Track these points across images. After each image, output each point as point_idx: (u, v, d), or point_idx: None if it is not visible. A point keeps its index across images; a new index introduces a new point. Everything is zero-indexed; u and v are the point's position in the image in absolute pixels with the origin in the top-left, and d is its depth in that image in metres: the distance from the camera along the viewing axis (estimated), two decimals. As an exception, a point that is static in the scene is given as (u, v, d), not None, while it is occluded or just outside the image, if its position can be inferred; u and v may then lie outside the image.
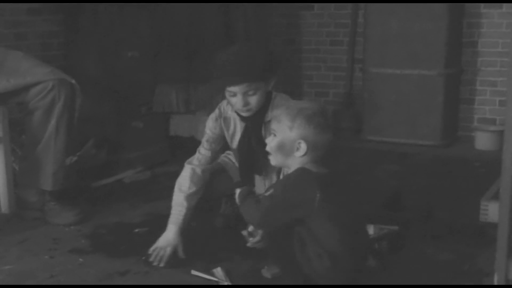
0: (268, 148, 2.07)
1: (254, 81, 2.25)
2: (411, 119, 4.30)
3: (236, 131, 2.44)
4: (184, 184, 2.40)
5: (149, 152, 3.71)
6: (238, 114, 2.37)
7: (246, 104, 2.27)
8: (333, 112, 4.74)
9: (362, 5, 4.53)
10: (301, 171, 2.02)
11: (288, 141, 2.02)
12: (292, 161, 2.05)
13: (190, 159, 2.47)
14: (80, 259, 2.40)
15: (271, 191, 2.03)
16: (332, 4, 4.80)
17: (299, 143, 2.01)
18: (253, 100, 2.28)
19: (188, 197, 2.39)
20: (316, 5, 4.86)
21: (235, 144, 2.45)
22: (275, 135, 2.05)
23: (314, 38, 4.93)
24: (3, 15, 3.37)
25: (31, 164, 2.77)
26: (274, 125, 2.05)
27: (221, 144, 2.50)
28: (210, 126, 2.47)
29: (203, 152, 2.47)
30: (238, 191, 2.15)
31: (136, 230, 2.69)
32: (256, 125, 2.36)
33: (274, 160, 2.08)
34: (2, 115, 2.81)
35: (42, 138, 2.72)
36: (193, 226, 2.53)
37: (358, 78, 4.73)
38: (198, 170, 2.43)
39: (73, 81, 2.72)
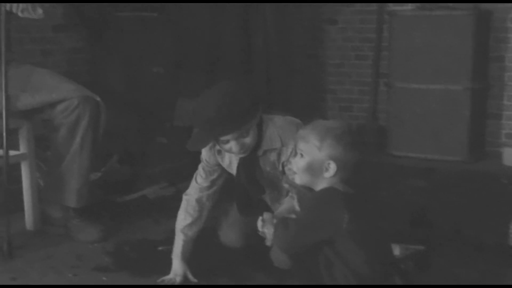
0: (295, 169, 2.03)
1: (246, 124, 2.15)
2: (437, 134, 4.25)
3: (232, 161, 2.33)
4: (179, 216, 2.37)
5: (173, 167, 3.70)
6: None
7: (242, 147, 2.17)
8: (357, 127, 4.70)
9: (387, 19, 4.50)
10: (329, 191, 1.98)
11: (317, 161, 1.97)
12: (320, 181, 2.01)
13: (188, 189, 2.41)
14: (104, 278, 2.39)
15: (298, 213, 2.00)
16: (357, 18, 4.78)
17: (329, 163, 1.96)
18: (248, 140, 2.17)
19: (184, 229, 2.35)
20: (340, 19, 4.84)
21: (234, 173, 2.36)
22: (302, 155, 2.01)
23: (338, 53, 4.90)
24: (30, 32, 3.41)
25: (55, 181, 2.78)
26: (301, 146, 2.01)
27: (219, 172, 2.39)
28: (205, 155, 2.37)
29: (199, 181, 2.40)
30: (264, 216, 2.13)
31: (160, 248, 2.68)
32: (252, 158, 2.27)
33: (300, 180, 2.04)
34: (27, 132, 2.82)
35: (66, 155, 2.73)
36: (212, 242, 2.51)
37: (383, 93, 4.69)
38: (192, 200, 2.37)
39: (98, 99, 2.73)
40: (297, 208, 2.08)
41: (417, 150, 4.31)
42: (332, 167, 1.95)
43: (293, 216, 2.05)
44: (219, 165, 2.38)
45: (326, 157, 1.94)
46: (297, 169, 2.01)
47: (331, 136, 1.94)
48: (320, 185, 2.01)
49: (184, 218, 2.36)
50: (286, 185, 2.11)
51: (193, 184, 2.41)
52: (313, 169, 1.97)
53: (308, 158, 1.98)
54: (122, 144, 3.53)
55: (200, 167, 2.41)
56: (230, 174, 2.39)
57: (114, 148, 3.46)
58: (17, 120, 2.73)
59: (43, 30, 3.48)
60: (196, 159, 3.69)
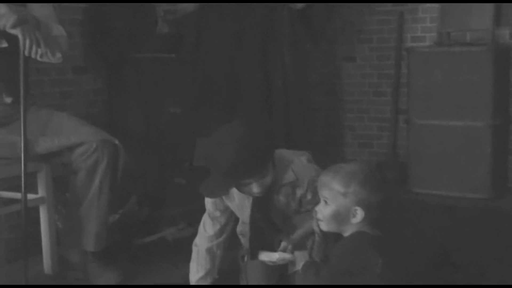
0: (320, 216, 1.98)
1: (267, 164, 2.13)
2: (459, 171, 4.19)
3: (244, 204, 2.29)
4: (191, 269, 2.35)
5: (192, 208, 3.66)
6: None
7: (263, 187, 2.14)
8: (377, 164, 4.66)
9: (405, 55, 4.49)
10: (359, 237, 1.93)
11: (343, 208, 1.93)
12: (348, 227, 1.96)
13: (196, 239, 2.36)
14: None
15: (329, 259, 1.96)
16: (375, 55, 4.77)
17: (355, 209, 1.93)
18: (268, 179, 2.15)
19: (199, 281, 2.33)
20: (358, 56, 4.83)
21: (246, 217, 2.31)
22: (326, 202, 1.97)
23: (356, 89, 4.89)
24: (49, 75, 3.43)
25: (73, 224, 2.76)
26: (325, 193, 1.97)
27: (227, 217, 2.34)
28: (210, 202, 2.32)
29: (208, 229, 2.35)
30: (282, 246, 2.08)
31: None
32: (267, 195, 2.22)
33: (327, 227, 1.99)
34: (46, 175, 2.82)
35: (85, 199, 2.72)
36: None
37: (402, 129, 4.65)
38: (202, 251, 2.34)
39: (117, 142, 2.73)
40: (317, 229, 2.03)
41: (439, 187, 4.25)
42: (360, 213, 1.91)
43: (313, 238, 2.02)
44: (227, 209, 2.33)
45: (352, 203, 1.91)
46: (323, 216, 1.97)
47: (355, 182, 1.91)
48: (348, 231, 1.97)
49: (196, 271, 2.33)
50: (316, 229, 2.06)
51: (201, 232, 2.36)
52: (340, 216, 1.93)
53: (333, 206, 1.94)
54: (140, 186, 3.51)
55: (206, 215, 2.36)
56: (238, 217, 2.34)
57: (132, 190, 3.45)
58: (36, 164, 2.74)
59: (63, 72, 3.51)
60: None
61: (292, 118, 3.70)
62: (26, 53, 2.42)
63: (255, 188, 2.13)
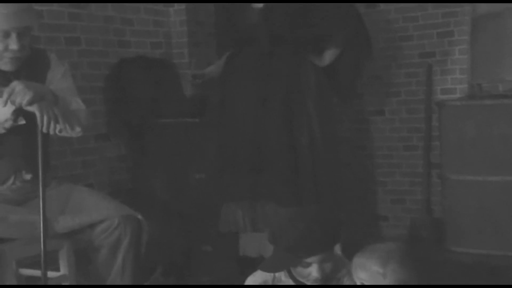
0: None
1: (332, 246, 2.11)
2: (499, 228, 3.99)
3: None
4: None
5: (219, 277, 3.54)
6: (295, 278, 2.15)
7: (323, 273, 2.08)
8: (411, 221, 4.50)
9: (435, 108, 4.36)
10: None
11: None
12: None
13: None
14: None
15: None
16: (404, 108, 4.65)
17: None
18: (329, 267, 2.10)
19: None
20: (386, 109, 4.72)
21: None
22: (363, 284, 1.88)
23: (386, 143, 4.76)
24: (71, 144, 3.37)
25: (97, 303, 2.65)
26: (361, 275, 1.88)
27: None
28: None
29: None
30: None
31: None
32: None
33: None
34: (67, 252, 2.71)
35: (108, 276, 2.61)
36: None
37: (436, 184, 4.49)
38: None
39: (139, 216, 2.63)
40: None
41: (478, 245, 4.05)
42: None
43: None
44: None
45: (391, 283, 1.85)
46: None
47: (393, 261, 1.86)
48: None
49: None
50: None
51: None
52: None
53: (371, 287, 1.86)
54: (165, 255, 3.40)
55: None
56: None
57: (157, 260, 3.33)
58: (57, 242, 2.63)
59: (84, 141, 3.44)
60: (240, 266, 3.54)
61: (320, 176, 3.56)
62: (44, 130, 2.35)
63: (315, 272, 2.07)
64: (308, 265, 2.07)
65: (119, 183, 3.62)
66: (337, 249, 3.48)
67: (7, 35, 2.36)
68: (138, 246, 2.63)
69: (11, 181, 2.54)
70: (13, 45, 2.38)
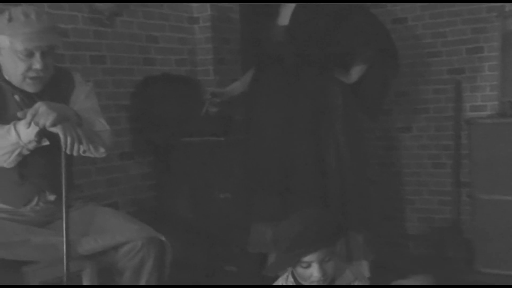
0: None
1: (330, 245, 2.11)
2: (530, 250, 3.89)
3: None
4: None
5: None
6: None
7: (324, 274, 2.09)
8: (439, 240, 4.40)
9: (465, 126, 4.27)
10: None
11: None
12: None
13: None
14: None
15: None
16: (432, 125, 4.57)
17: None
18: (330, 267, 2.11)
19: None
20: (415, 126, 4.64)
21: None
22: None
23: (414, 161, 4.67)
24: (96, 163, 3.34)
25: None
26: None
27: None
28: None
29: None
30: None
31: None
32: None
33: None
34: (90, 274, 2.67)
35: (132, 299, 2.57)
36: None
37: (465, 203, 4.39)
38: None
39: (163, 238, 2.58)
40: None
41: (508, 267, 3.94)
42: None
43: None
44: None
45: None
46: None
47: None
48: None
49: None
50: None
51: None
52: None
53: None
54: (189, 275, 3.35)
55: None
56: None
57: (181, 280, 3.28)
58: (79, 263, 2.59)
59: (109, 159, 3.41)
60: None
61: (347, 194, 3.50)
62: (68, 151, 2.32)
63: (316, 272, 2.07)
64: (308, 265, 2.08)
65: (143, 201, 3.59)
66: (365, 269, 3.41)
67: (30, 54, 2.35)
68: (161, 268, 2.59)
69: (34, 202, 2.52)
70: (37, 64, 2.36)
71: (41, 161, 2.46)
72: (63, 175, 2.37)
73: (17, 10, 2.36)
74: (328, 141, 3.42)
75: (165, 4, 3.81)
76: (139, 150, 3.60)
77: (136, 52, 3.62)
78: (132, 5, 3.56)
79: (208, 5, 3.98)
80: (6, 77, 2.43)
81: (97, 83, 3.38)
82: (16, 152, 2.35)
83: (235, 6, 4.16)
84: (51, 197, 2.54)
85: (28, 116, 2.26)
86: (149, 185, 3.65)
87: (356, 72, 3.38)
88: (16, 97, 2.43)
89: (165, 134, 3.51)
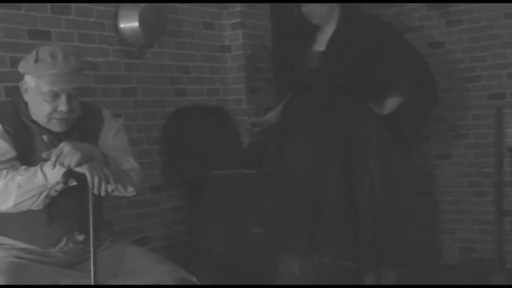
0: None
1: None
2: None
3: None
4: None
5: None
6: None
7: None
8: (482, 271, 4.25)
9: (507, 153, 4.12)
10: None
11: None
12: None
13: None
14: None
15: None
16: (472, 152, 4.44)
17: None
18: None
19: None
20: (454, 153, 4.51)
21: None
22: None
23: (453, 189, 4.53)
24: (126, 197, 3.25)
25: None
26: None
27: None
28: None
29: None
30: None
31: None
32: None
33: None
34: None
35: None
36: None
37: (508, 232, 4.23)
38: None
39: (194, 279, 2.50)
40: None
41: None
42: None
43: None
44: None
45: None
46: None
47: None
48: None
49: None
50: None
51: None
52: None
53: None
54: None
55: None
56: None
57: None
58: (109, 304, 2.54)
59: (140, 193, 3.33)
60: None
61: (380, 228, 3.38)
62: (95, 191, 2.27)
63: None
64: None
65: (174, 235, 3.53)
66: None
67: (56, 96, 2.31)
68: (191, 310, 2.51)
69: (63, 242, 2.47)
70: (62, 106, 2.32)
71: (69, 201, 2.41)
72: (91, 216, 2.32)
73: (45, 50, 2.33)
74: (360, 173, 3.31)
75: (196, 34, 3.77)
76: (170, 183, 3.54)
77: (167, 83, 3.58)
78: (164, 36, 3.51)
79: (240, 33, 3.93)
80: (33, 117, 2.39)
81: (128, 116, 3.34)
82: (44, 194, 2.30)
83: (268, 33, 4.10)
84: (80, 237, 2.49)
85: (53, 157, 2.21)
86: (180, 219, 3.58)
87: (391, 104, 3.28)
88: (44, 137, 2.39)
89: (197, 166, 3.45)
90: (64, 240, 2.47)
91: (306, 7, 3.22)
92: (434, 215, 4.59)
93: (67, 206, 2.42)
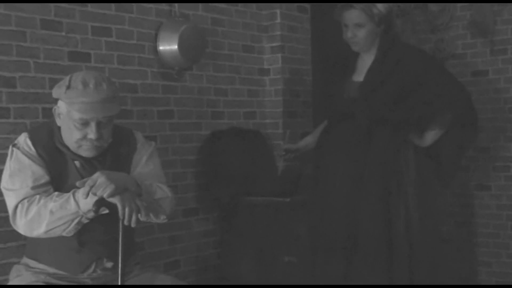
0: None
1: None
2: None
3: None
4: None
5: None
6: None
7: None
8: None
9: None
10: None
11: None
12: None
13: None
14: None
15: None
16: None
17: None
18: None
19: None
20: (493, 185, 4.40)
21: None
22: None
23: (492, 221, 4.42)
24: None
25: None
26: None
27: None
28: None
29: None
30: None
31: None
32: None
33: None
34: None
35: None
36: None
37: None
38: None
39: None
40: None
41: None
42: None
43: None
44: None
45: None
46: None
47: None
48: None
49: None
50: None
51: None
52: None
53: None
54: None
55: None
56: None
57: None
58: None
59: (173, 216, 3.33)
60: None
61: (416, 259, 3.30)
62: (125, 222, 2.26)
63: None
64: None
65: (206, 259, 3.50)
66: None
67: (86, 124, 2.31)
68: None
69: (92, 269, 2.46)
70: (91, 134, 2.32)
71: (100, 228, 2.41)
72: (120, 246, 2.32)
73: (77, 77, 2.33)
74: (398, 204, 3.25)
75: (235, 56, 3.75)
76: (203, 206, 3.52)
77: (204, 106, 3.56)
78: (203, 59, 3.50)
79: (279, 56, 3.90)
80: (65, 142, 2.39)
81: (163, 138, 3.34)
82: (76, 221, 2.30)
83: (307, 57, 4.06)
84: (109, 264, 2.48)
85: (86, 187, 2.21)
86: (212, 242, 3.56)
87: (431, 137, 3.21)
88: (77, 163, 2.40)
89: (231, 191, 3.42)
90: (93, 266, 2.46)
91: (351, 32, 3.17)
92: (471, 247, 4.48)
93: (97, 233, 2.42)
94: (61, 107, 2.36)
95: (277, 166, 3.72)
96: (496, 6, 4.29)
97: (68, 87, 2.31)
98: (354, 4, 3.14)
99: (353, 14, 3.16)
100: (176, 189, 3.34)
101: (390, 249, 3.26)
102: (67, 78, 2.35)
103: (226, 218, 3.49)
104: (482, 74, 4.42)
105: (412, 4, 4.59)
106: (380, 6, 3.16)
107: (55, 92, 2.38)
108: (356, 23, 3.16)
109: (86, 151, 2.37)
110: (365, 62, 3.28)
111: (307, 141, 3.57)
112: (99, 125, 2.33)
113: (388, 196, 3.24)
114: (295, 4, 3.97)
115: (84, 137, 2.33)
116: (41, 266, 2.44)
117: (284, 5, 3.89)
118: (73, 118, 2.31)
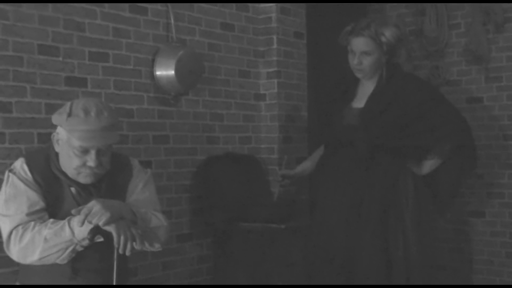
0: None
1: None
2: None
3: None
4: None
5: None
6: None
7: None
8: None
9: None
10: None
11: None
12: None
13: None
14: None
15: None
16: (507, 211, 4.33)
17: None
18: None
19: None
20: (487, 211, 4.40)
21: None
22: None
23: (486, 248, 4.42)
24: (152, 246, 3.26)
25: None
26: None
27: None
28: None
29: None
30: None
31: None
32: None
33: None
34: None
35: None
36: None
37: (542, 298, 4.11)
38: None
39: None
40: None
41: None
42: None
43: None
44: None
45: None
46: None
47: None
48: None
49: None
50: None
51: None
52: None
53: None
54: None
55: None
56: None
57: None
58: None
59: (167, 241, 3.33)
60: None
61: (413, 281, 3.29)
62: (120, 250, 2.25)
63: None
64: None
65: (200, 283, 3.49)
66: None
67: (85, 151, 2.31)
68: None
69: (85, 297, 2.44)
70: (91, 162, 2.32)
71: (94, 256, 2.40)
72: (114, 274, 2.31)
73: (78, 105, 2.33)
74: (396, 231, 3.24)
75: (231, 81, 3.76)
76: (197, 232, 3.51)
77: (199, 131, 3.56)
78: (199, 83, 3.51)
79: (275, 81, 3.91)
80: (63, 168, 2.38)
81: (158, 163, 3.33)
82: (70, 249, 2.29)
83: (303, 83, 4.07)
84: (102, 292, 2.46)
85: (82, 216, 2.21)
86: (206, 269, 3.54)
87: (429, 165, 3.22)
88: (73, 189, 2.39)
89: (226, 216, 3.41)
90: (86, 294, 2.45)
91: (358, 59, 3.17)
92: (466, 274, 4.47)
93: (91, 260, 2.41)
94: (61, 133, 2.35)
95: (273, 192, 3.72)
96: (491, 33, 4.33)
97: (69, 114, 2.31)
98: (364, 32, 3.14)
99: (361, 42, 3.15)
100: (171, 214, 3.33)
101: (388, 277, 3.25)
102: (68, 105, 2.35)
103: (220, 244, 3.48)
104: (476, 101, 4.44)
105: (407, 31, 4.62)
106: (389, 35, 3.15)
107: (55, 119, 2.37)
108: (363, 51, 3.15)
109: (85, 178, 2.36)
110: (366, 88, 3.28)
111: (304, 167, 3.57)
112: (98, 152, 2.33)
113: (385, 223, 3.24)
114: (292, 30, 3.99)
115: (84, 164, 2.33)
116: (34, 293, 2.42)
117: (280, 30, 3.91)
118: (73, 145, 2.30)
